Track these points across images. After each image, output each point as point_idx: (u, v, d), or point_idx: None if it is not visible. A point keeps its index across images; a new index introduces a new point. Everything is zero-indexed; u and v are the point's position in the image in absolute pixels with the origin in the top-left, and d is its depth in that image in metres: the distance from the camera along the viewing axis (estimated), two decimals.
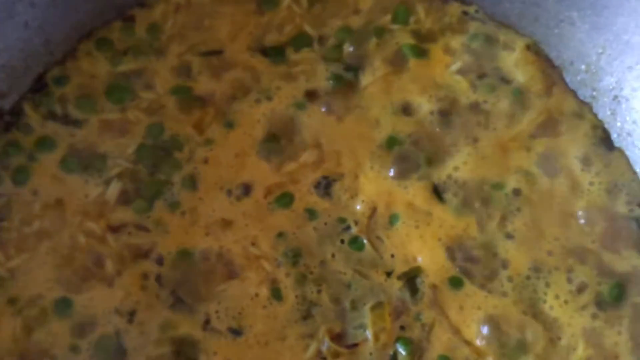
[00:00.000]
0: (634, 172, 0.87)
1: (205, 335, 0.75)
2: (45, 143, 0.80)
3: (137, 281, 0.76)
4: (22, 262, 0.76)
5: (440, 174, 0.84)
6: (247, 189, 0.82)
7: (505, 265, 0.80)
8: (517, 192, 0.84)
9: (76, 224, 0.77)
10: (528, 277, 0.80)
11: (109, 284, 0.75)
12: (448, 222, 0.82)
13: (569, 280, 0.80)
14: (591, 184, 0.85)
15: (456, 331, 0.78)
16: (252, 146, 0.83)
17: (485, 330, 0.77)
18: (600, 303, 0.79)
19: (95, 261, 0.76)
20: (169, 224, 0.79)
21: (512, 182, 0.84)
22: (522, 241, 0.82)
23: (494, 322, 0.78)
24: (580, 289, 0.80)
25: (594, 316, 0.79)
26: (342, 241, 0.81)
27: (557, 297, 0.79)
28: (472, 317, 0.78)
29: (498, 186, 0.83)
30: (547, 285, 0.80)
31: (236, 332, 0.76)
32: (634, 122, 0.87)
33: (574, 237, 0.82)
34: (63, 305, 0.74)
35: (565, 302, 0.79)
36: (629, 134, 0.87)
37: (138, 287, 0.76)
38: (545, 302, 0.79)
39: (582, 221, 0.83)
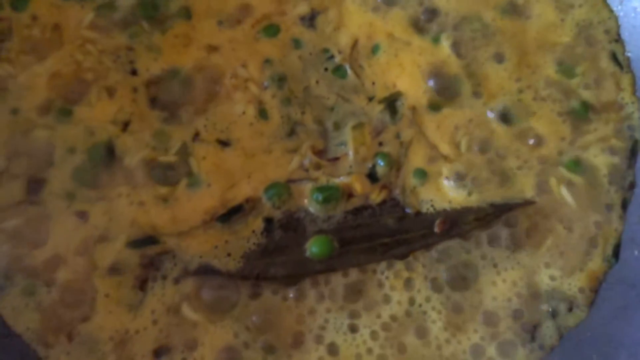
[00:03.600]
0: (611, 10, 0.89)
1: (195, 145, 0.80)
2: None
3: (130, 94, 0.80)
4: (25, 77, 0.80)
5: (421, 5, 0.87)
6: (237, 19, 0.85)
7: (480, 90, 0.84)
8: (494, 25, 0.87)
9: (75, 45, 0.82)
10: (509, 92, 0.84)
11: (107, 96, 0.80)
12: (427, 50, 0.85)
13: (542, 97, 0.84)
14: (563, 20, 0.88)
15: (433, 147, 0.82)
16: None
17: (461, 143, 0.82)
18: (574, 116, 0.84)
19: (91, 77, 0.80)
20: (162, 46, 0.83)
21: (489, 17, 0.87)
22: (500, 68, 0.85)
23: (470, 136, 0.82)
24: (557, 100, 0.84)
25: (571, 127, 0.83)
26: (326, 69, 0.85)
27: (534, 114, 0.83)
28: (449, 134, 0.82)
29: (476, 18, 0.86)
30: (527, 106, 0.83)
31: (224, 143, 0.80)
32: None
33: (546, 64, 0.86)
34: (63, 114, 0.78)
35: (543, 115, 0.83)
36: None
37: (130, 99, 0.80)
38: (526, 117, 0.83)
39: (555, 54, 0.86)
